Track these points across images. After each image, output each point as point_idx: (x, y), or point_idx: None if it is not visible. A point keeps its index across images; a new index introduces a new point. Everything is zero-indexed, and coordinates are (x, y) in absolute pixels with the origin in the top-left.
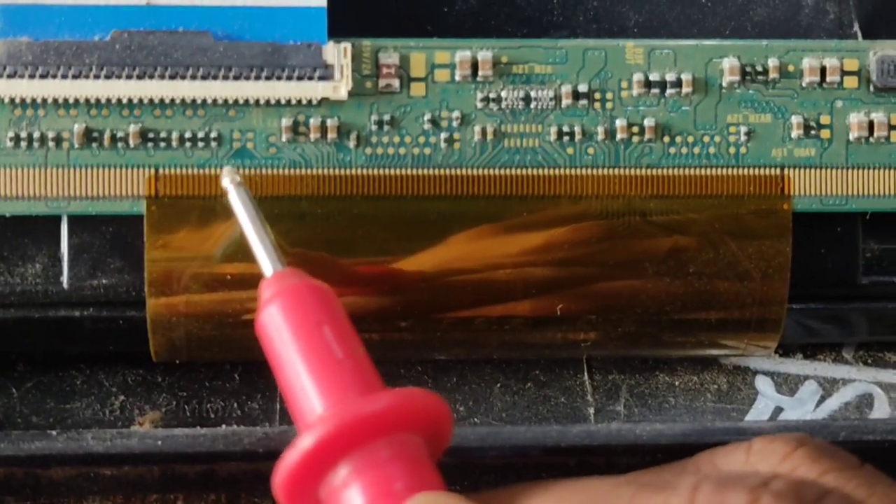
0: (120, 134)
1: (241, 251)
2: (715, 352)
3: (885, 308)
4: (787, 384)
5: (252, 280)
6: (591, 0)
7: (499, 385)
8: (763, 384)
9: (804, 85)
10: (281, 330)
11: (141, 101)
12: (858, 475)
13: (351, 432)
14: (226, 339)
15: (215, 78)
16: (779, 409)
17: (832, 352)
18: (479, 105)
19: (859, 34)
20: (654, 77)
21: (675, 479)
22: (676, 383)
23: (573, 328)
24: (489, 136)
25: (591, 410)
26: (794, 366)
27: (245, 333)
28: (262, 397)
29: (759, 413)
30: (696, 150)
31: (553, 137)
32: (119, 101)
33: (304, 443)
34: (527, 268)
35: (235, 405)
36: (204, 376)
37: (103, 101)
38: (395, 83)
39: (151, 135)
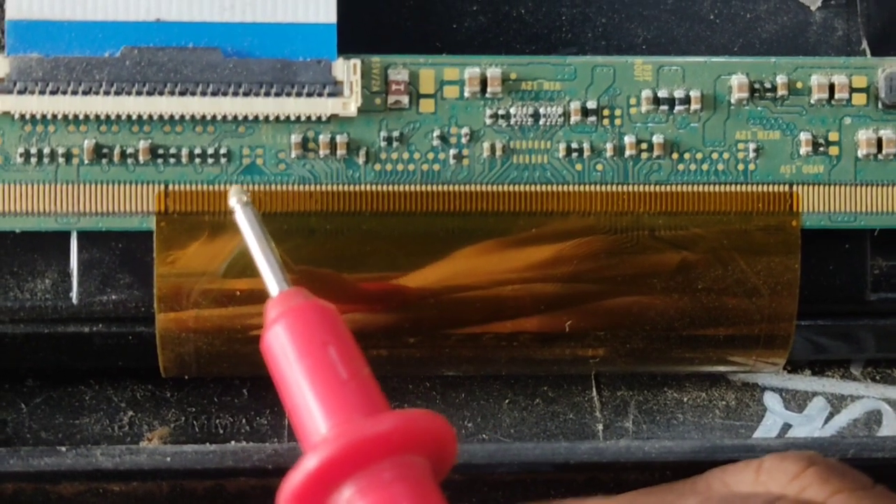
0: (130, 150)
1: (249, 266)
2: (723, 368)
3: (894, 324)
4: (796, 400)
5: (261, 296)
6: (599, 17)
7: (507, 401)
8: (771, 400)
9: (813, 102)
10: (286, 350)
11: (151, 117)
12: (869, 496)
13: (355, 453)
14: (235, 355)
15: (225, 94)
16: (787, 426)
17: (840, 368)
18: (488, 121)
19: (868, 51)
20: (662, 94)
21: (682, 498)
22: (685, 399)
23: (581, 344)
24: (498, 153)
25: (600, 427)
26: (803, 382)
27: (254, 349)
28: (271, 413)
29: (767, 430)
30: (705, 166)
31: (562, 154)
32: (129, 117)
33: (309, 464)
34: (535, 284)
35: (244, 421)
36: (213, 392)
37: (113, 117)
38: (405, 99)
39: (161, 151)
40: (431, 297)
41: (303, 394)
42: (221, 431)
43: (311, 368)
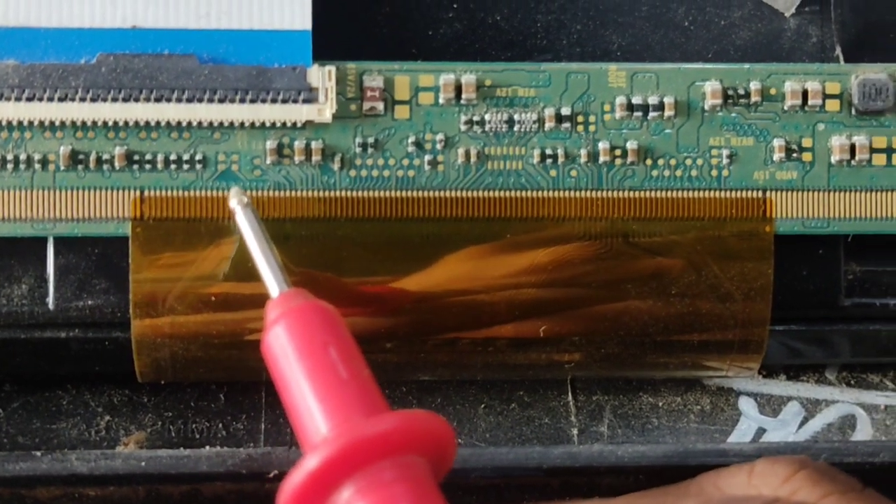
0: (105, 156)
1: (233, 272)
2: (698, 373)
3: (868, 330)
4: (771, 405)
5: (237, 301)
6: (574, 24)
7: (483, 406)
8: (746, 405)
9: (786, 108)
10: (286, 350)
11: (126, 123)
12: (859, 498)
13: (355, 453)
14: (211, 360)
15: (200, 101)
16: (762, 430)
17: (815, 373)
18: (463, 128)
19: (841, 58)
20: (636, 100)
21: (679, 500)
22: (660, 404)
23: (557, 349)
24: (472, 159)
25: (575, 431)
26: (778, 387)
27: (230, 354)
28: (248, 418)
29: (741, 434)
30: (679, 172)
31: (536, 160)
32: (105, 123)
33: (309, 463)
34: (510, 290)
35: (220, 426)
36: (189, 397)
37: (89, 123)
38: (380, 106)
39: (137, 157)
40: (408, 302)
41: (303, 394)
42: (198, 436)
43: (312, 369)
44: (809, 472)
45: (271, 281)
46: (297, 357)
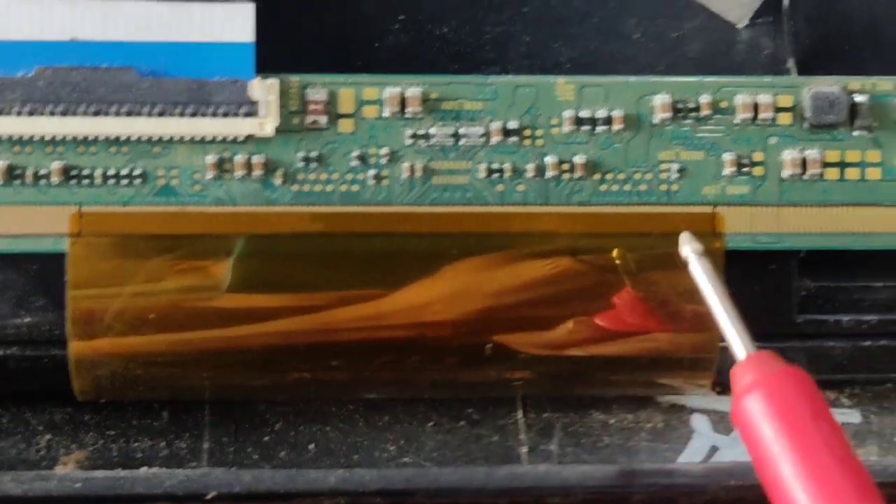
0: (43, 171)
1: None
2: (649, 390)
3: (822, 346)
4: (724, 422)
5: (178, 319)
6: (523, 36)
7: (431, 424)
8: (699, 423)
9: (737, 121)
10: (771, 421)
11: (64, 138)
12: None
13: None
14: (151, 379)
15: (139, 114)
16: (714, 448)
17: None
18: (408, 142)
19: (794, 70)
20: (584, 114)
21: None
22: (611, 422)
23: (505, 367)
24: (418, 174)
25: (525, 450)
26: None
27: (172, 372)
28: (191, 436)
29: (693, 452)
30: (627, 187)
31: (483, 174)
32: (42, 138)
33: None
34: (457, 306)
35: (163, 444)
36: (132, 415)
37: (26, 137)
38: (323, 119)
39: (75, 172)
40: (353, 319)
41: (793, 472)
42: (140, 455)
43: (804, 444)
44: None
45: (737, 341)
46: (784, 429)
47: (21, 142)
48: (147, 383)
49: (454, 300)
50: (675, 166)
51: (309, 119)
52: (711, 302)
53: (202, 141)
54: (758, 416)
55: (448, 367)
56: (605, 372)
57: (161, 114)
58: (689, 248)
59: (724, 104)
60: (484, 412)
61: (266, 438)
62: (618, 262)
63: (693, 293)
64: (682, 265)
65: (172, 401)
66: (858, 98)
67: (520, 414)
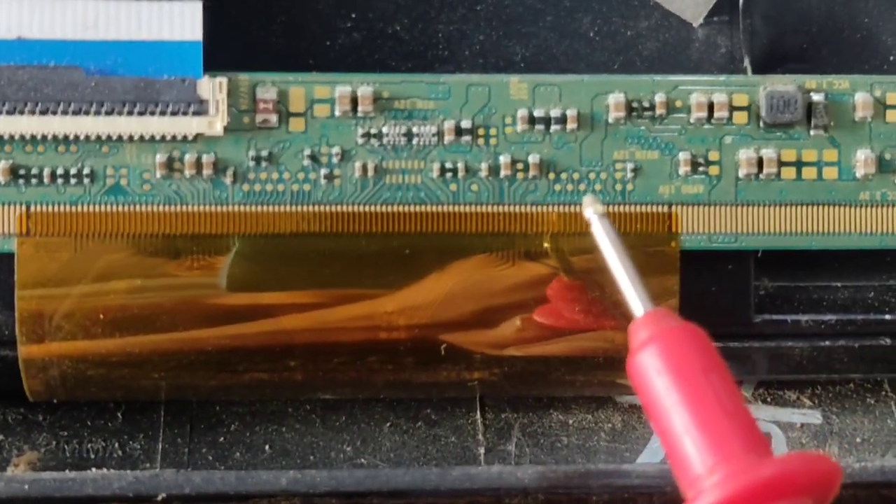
0: None
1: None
2: (607, 390)
3: (781, 346)
4: None
5: (126, 319)
6: (476, 34)
7: (389, 424)
8: None
9: (692, 121)
10: (661, 376)
11: (12, 137)
12: None
13: (746, 498)
14: (103, 379)
15: (87, 113)
16: None
17: None
18: (360, 141)
19: (749, 69)
20: (538, 113)
21: None
22: (570, 422)
23: (461, 368)
24: (370, 173)
25: (482, 450)
26: None
27: (123, 373)
28: (145, 437)
29: (653, 453)
30: (582, 186)
31: (436, 174)
32: None
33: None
34: (411, 305)
35: (117, 445)
36: (86, 415)
37: None
38: (273, 118)
39: (22, 171)
40: (307, 319)
41: (682, 425)
42: (93, 456)
43: (693, 397)
44: None
45: (635, 298)
46: (674, 384)
47: None
48: (100, 384)
49: (408, 300)
50: (630, 165)
51: (259, 118)
52: (611, 261)
53: (151, 140)
54: (651, 370)
55: (404, 367)
56: (563, 371)
57: (109, 112)
58: (591, 210)
59: (679, 103)
60: (442, 412)
61: (221, 439)
62: (549, 249)
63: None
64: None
65: (127, 401)
66: (815, 97)
67: (478, 414)
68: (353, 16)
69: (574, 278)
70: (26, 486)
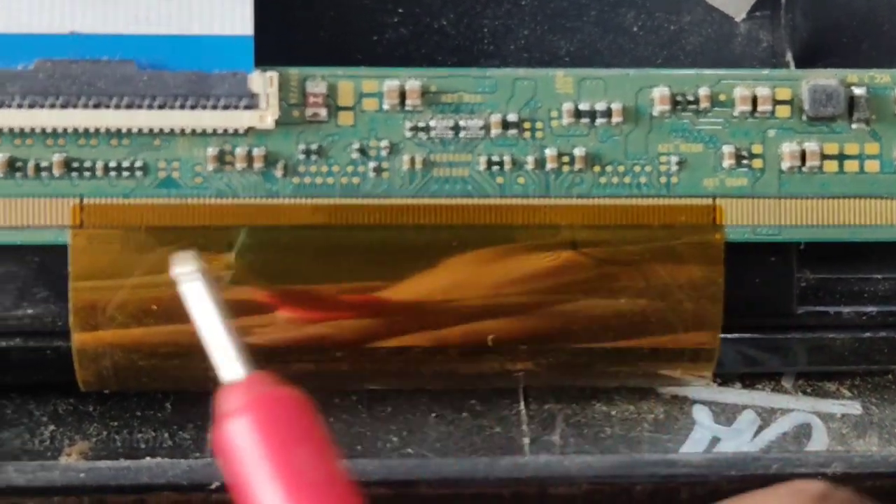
0: (44, 163)
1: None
2: (651, 381)
3: (823, 338)
4: (725, 413)
5: (180, 310)
6: (521, 29)
7: (434, 415)
8: (700, 414)
9: (736, 114)
10: (252, 448)
11: (65, 130)
12: None
13: None
14: (155, 370)
15: (140, 107)
16: (716, 440)
17: (772, 381)
18: (408, 134)
19: (792, 63)
20: (583, 106)
21: None
22: (613, 413)
23: (507, 358)
24: (418, 166)
25: (527, 441)
26: (733, 395)
27: (175, 363)
28: (194, 427)
29: (695, 443)
30: (627, 179)
31: (482, 167)
32: (43, 130)
33: None
34: (458, 297)
35: (167, 435)
36: (135, 406)
37: (27, 130)
38: (323, 112)
39: (76, 164)
40: (355, 310)
41: (271, 497)
42: (143, 446)
43: (282, 471)
44: None
45: (230, 362)
46: (264, 456)
47: (22, 134)
48: (151, 374)
49: (456, 292)
50: (675, 159)
51: (309, 111)
52: (202, 323)
53: (203, 133)
54: (242, 440)
55: (450, 359)
56: (607, 363)
57: (161, 106)
58: (178, 270)
59: (722, 97)
60: (486, 403)
61: None
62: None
63: (695, 286)
64: (682, 257)
65: (176, 391)
66: (856, 91)
67: (521, 405)
68: (400, 11)
69: (617, 268)
70: (82, 475)
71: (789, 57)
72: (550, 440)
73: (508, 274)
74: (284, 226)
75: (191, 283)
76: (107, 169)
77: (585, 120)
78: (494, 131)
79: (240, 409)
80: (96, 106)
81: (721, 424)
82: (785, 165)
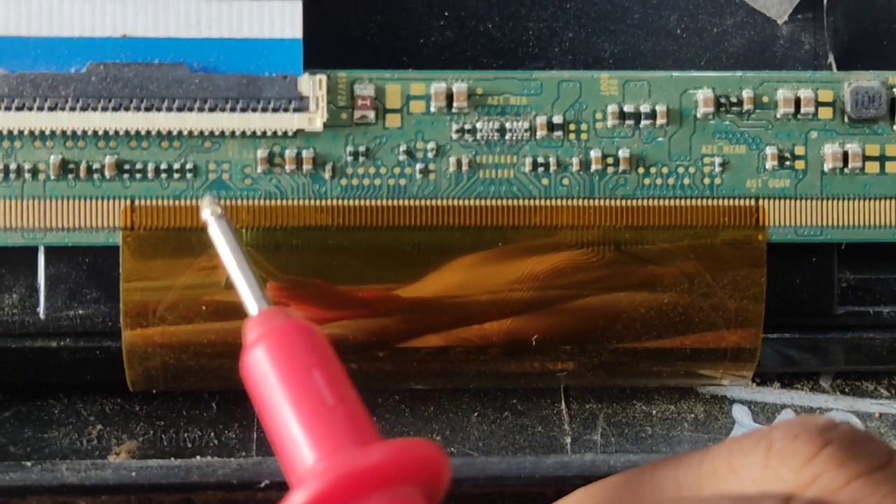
0: (96, 165)
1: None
2: (691, 381)
3: (862, 338)
4: (764, 413)
5: (228, 310)
6: (566, 31)
7: (476, 414)
8: (740, 413)
9: (778, 116)
10: (268, 374)
11: (117, 132)
12: (887, 479)
13: (346, 487)
14: (202, 369)
15: (191, 110)
16: None
17: (810, 381)
18: (455, 136)
19: (834, 65)
20: (628, 108)
21: (681, 489)
22: (653, 412)
23: (549, 358)
24: (464, 167)
25: (568, 440)
26: (772, 395)
27: (222, 363)
28: (240, 427)
29: None
30: (671, 180)
31: (528, 168)
32: (95, 132)
33: (297, 499)
34: (502, 298)
35: (213, 434)
36: (181, 405)
37: (79, 132)
38: (371, 114)
39: (127, 166)
40: (399, 310)
41: (287, 422)
42: (190, 445)
43: (296, 394)
44: (834, 450)
45: (249, 298)
46: (279, 382)
47: (74, 136)
48: (198, 374)
49: (498, 291)
50: (718, 160)
51: (357, 114)
52: (227, 261)
53: (252, 135)
54: (258, 370)
55: (493, 358)
56: (649, 363)
57: (212, 109)
58: (208, 211)
59: (765, 99)
60: (528, 403)
61: None
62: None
63: (738, 286)
64: (725, 258)
65: (222, 391)
66: None
67: (563, 405)
68: (446, 14)
69: (660, 268)
70: (133, 474)
71: (831, 59)
72: (592, 439)
73: (552, 275)
74: (332, 227)
75: (218, 224)
76: (157, 171)
77: (630, 122)
78: (540, 133)
79: (256, 339)
80: (148, 109)
81: (760, 424)
82: (827, 167)
